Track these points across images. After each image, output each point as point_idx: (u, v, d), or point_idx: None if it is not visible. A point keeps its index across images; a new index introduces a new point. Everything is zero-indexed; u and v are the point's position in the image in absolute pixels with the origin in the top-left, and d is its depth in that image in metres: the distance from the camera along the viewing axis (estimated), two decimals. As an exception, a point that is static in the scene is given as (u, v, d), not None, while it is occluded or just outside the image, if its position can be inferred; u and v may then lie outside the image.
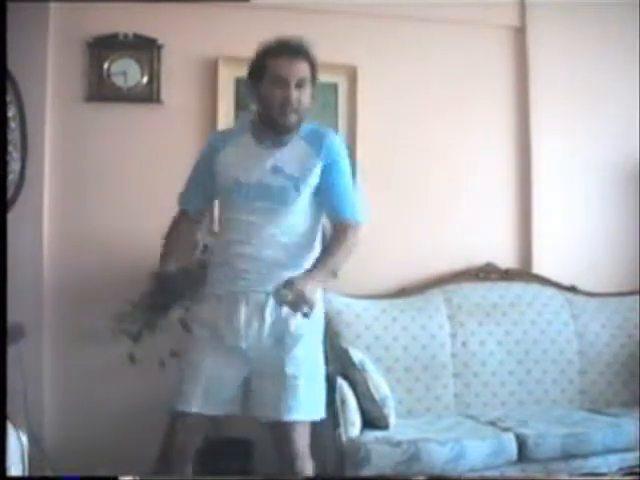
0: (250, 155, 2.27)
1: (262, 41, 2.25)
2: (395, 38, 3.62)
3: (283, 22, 3.45)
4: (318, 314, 2.24)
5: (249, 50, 3.42)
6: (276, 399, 2.18)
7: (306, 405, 2.20)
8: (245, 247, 2.23)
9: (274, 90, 2.18)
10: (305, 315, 2.04)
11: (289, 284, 2.02)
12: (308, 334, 2.23)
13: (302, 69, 2.21)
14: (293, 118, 2.21)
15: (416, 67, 3.67)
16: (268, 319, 2.20)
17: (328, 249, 2.23)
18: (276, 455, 2.26)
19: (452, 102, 3.70)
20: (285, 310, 2.14)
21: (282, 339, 2.20)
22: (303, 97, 2.21)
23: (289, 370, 2.18)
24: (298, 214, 2.25)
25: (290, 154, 2.25)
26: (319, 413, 2.26)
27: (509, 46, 3.82)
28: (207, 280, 2.36)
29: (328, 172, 2.25)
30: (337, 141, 2.31)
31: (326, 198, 2.27)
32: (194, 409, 2.22)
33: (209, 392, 2.22)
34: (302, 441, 2.22)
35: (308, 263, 2.22)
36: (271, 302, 2.16)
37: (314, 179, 2.25)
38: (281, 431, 2.21)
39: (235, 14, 3.44)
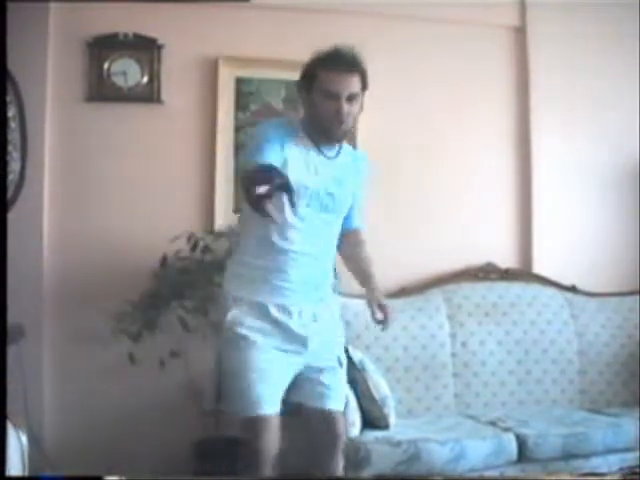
0: (315, 160, 2.28)
1: (316, 49, 2.25)
2: (395, 38, 3.62)
3: (283, 22, 3.47)
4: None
5: (249, 50, 3.48)
6: (335, 390, 2.34)
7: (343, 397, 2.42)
8: (304, 257, 2.27)
9: (325, 102, 2.21)
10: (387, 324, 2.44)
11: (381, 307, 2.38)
12: (341, 333, 2.46)
13: (354, 84, 2.23)
14: (343, 130, 2.26)
15: (416, 67, 3.67)
16: (319, 321, 2.32)
17: (367, 260, 2.50)
18: (320, 443, 2.36)
19: (452, 102, 3.70)
20: (329, 312, 2.37)
21: (331, 338, 2.37)
22: (353, 110, 2.25)
23: (339, 366, 2.37)
24: (339, 225, 2.41)
25: (343, 166, 2.34)
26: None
27: (509, 46, 3.82)
28: (237, 279, 2.30)
29: (360, 185, 2.47)
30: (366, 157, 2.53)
31: (352, 206, 2.44)
32: (270, 411, 2.21)
33: (278, 392, 2.24)
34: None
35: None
36: (321, 309, 2.33)
37: (354, 190, 2.41)
38: (333, 420, 2.34)
39: (235, 14, 3.44)
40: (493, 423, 3.11)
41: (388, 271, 3.55)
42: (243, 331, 2.21)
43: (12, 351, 2.32)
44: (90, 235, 3.33)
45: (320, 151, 2.29)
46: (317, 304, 2.32)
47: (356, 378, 3.01)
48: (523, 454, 2.93)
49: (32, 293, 3.18)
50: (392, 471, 2.75)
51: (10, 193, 3.12)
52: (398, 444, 2.80)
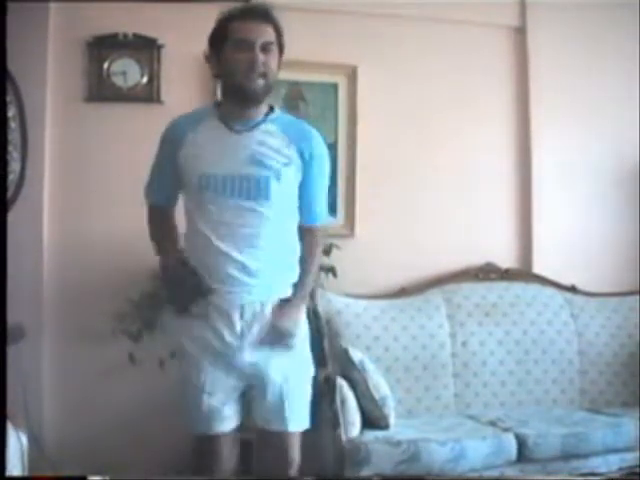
0: (221, 142, 2.07)
1: (224, 9, 2.11)
2: (395, 38, 3.62)
3: (283, 22, 3.45)
4: (304, 328, 2.20)
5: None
6: (277, 410, 2.13)
7: (300, 415, 2.17)
8: (224, 255, 2.06)
9: (238, 54, 2.02)
10: (287, 346, 2.10)
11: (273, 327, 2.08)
12: (298, 344, 2.16)
13: (268, 32, 2.05)
14: (260, 83, 2.03)
15: (416, 67, 3.67)
16: (259, 330, 2.08)
17: (305, 266, 2.15)
18: (271, 463, 2.20)
19: (452, 102, 3.70)
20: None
21: (273, 350, 2.10)
22: (270, 61, 2.04)
23: (283, 381, 2.12)
24: (280, 213, 2.09)
25: (266, 140, 2.07)
26: (306, 423, 2.20)
27: (509, 46, 3.82)
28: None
29: (309, 170, 2.11)
30: (321, 139, 2.17)
31: (302, 198, 2.15)
32: (216, 429, 2.14)
33: (215, 410, 2.12)
34: (296, 449, 2.19)
35: (293, 270, 2.15)
36: (262, 313, 2.09)
37: (297, 174, 2.10)
38: (278, 441, 2.15)
39: (235, 14, 3.44)
40: (493, 423, 3.11)
41: (388, 271, 3.58)
42: (184, 342, 2.14)
43: (12, 351, 2.31)
44: (90, 235, 3.33)
45: (231, 127, 2.07)
46: (260, 310, 2.09)
47: (356, 378, 3.01)
48: (523, 454, 2.93)
49: (32, 293, 3.19)
50: (392, 471, 2.75)
51: (10, 193, 3.12)
52: (398, 444, 2.80)
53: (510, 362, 3.45)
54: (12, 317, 2.28)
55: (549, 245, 3.79)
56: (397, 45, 3.63)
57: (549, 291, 3.67)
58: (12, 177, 3.15)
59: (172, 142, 2.14)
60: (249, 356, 2.08)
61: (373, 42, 3.60)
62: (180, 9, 3.39)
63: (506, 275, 3.69)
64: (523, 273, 3.73)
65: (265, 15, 2.07)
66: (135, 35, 3.39)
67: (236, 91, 2.06)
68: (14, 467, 2.33)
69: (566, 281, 3.73)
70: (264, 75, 2.03)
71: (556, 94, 3.77)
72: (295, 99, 3.51)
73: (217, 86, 3.42)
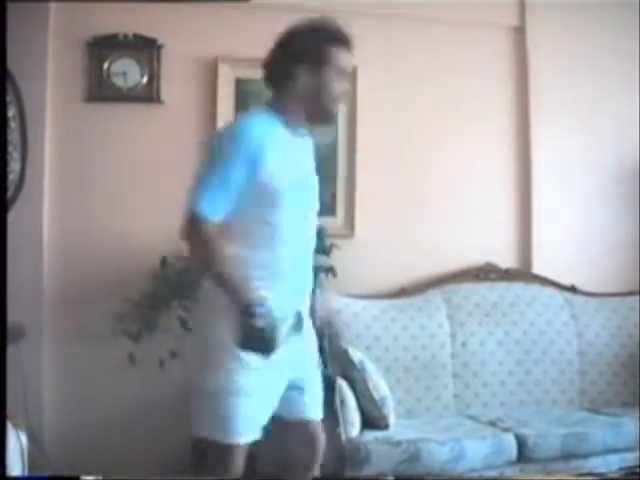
0: (295, 154, 2.05)
1: (310, 22, 2.13)
2: (395, 38, 3.62)
3: (282, 22, 3.45)
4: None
5: (249, 50, 3.46)
6: (316, 399, 2.17)
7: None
8: (303, 266, 2.07)
9: (337, 82, 2.05)
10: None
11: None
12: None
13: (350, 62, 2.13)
14: (336, 112, 2.14)
15: (416, 67, 3.67)
16: (302, 330, 2.09)
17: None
18: (309, 452, 2.19)
19: (452, 102, 3.70)
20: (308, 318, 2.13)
21: (310, 348, 2.17)
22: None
23: (316, 369, 2.19)
24: None
25: (310, 146, 2.15)
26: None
27: (509, 46, 3.82)
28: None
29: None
30: None
31: None
32: (248, 438, 2.00)
33: (259, 416, 2.02)
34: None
35: None
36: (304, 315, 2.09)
37: None
38: (317, 428, 2.18)
39: (235, 14, 3.44)
40: (493, 423, 3.11)
41: (388, 271, 3.58)
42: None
43: (12, 351, 2.32)
44: (90, 235, 3.34)
45: (294, 135, 2.06)
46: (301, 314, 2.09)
47: (356, 378, 3.01)
48: (523, 454, 2.93)
49: (32, 293, 3.19)
50: (392, 471, 2.75)
51: (10, 193, 3.12)
52: (398, 444, 2.80)
53: (510, 362, 3.45)
54: (12, 317, 2.29)
55: (549, 245, 3.79)
56: (397, 45, 3.63)
57: (549, 291, 3.67)
58: (12, 177, 3.15)
59: (251, 150, 1.93)
60: (299, 357, 2.08)
61: (373, 42, 3.60)
62: (180, 9, 3.39)
63: (506, 275, 3.69)
64: (523, 273, 3.73)
65: (353, 45, 2.12)
66: (135, 35, 3.39)
67: (322, 112, 2.08)
68: (14, 467, 2.33)
69: (566, 281, 3.73)
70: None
71: (556, 94, 3.77)
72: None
73: (218, 87, 3.46)
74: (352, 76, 3.53)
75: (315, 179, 2.14)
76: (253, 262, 1.98)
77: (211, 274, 2.00)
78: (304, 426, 2.15)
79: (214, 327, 1.98)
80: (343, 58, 2.08)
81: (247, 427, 1.98)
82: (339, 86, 2.06)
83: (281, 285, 1.99)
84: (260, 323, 1.87)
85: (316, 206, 2.14)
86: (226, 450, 1.99)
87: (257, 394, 1.97)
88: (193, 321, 2.21)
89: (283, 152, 1.99)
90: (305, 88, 2.04)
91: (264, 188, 1.95)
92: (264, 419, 2.02)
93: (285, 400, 2.07)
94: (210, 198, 1.92)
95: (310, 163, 2.14)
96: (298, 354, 2.06)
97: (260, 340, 1.88)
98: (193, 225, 1.92)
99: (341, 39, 2.10)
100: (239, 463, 2.02)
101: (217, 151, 1.96)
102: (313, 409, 2.16)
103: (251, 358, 1.92)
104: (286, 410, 2.08)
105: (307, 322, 2.12)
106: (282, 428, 2.11)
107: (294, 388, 2.09)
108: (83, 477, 2.02)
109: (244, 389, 1.95)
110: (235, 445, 1.99)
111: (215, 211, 1.93)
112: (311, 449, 2.18)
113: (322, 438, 2.20)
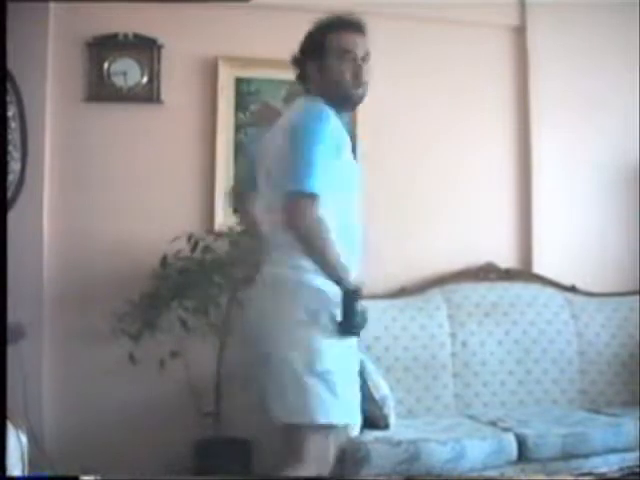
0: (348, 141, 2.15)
1: (318, 18, 2.18)
2: (395, 38, 3.62)
3: (283, 22, 3.46)
4: None
5: (249, 50, 3.48)
6: None
7: None
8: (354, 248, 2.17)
9: (342, 64, 2.11)
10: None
11: None
12: None
13: (365, 44, 2.17)
14: (361, 92, 2.15)
15: (415, 67, 3.67)
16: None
17: None
18: None
19: (452, 102, 3.70)
20: None
21: None
22: (368, 72, 2.16)
23: None
24: None
25: None
26: None
27: (509, 46, 3.82)
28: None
29: None
30: None
31: None
32: (348, 419, 2.13)
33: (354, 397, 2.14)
34: None
35: None
36: None
37: None
38: None
39: (235, 14, 3.44)
40: (493, 423, 3.10)
41: (388, 271, 3.57)
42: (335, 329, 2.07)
43: (12, 351, 2.31)
44: (90, 235, 3.33)
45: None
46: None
47: (356, 378, 3.01)
48: (523, 454, 2.92)
49: (32, 293, 3.18)
50: (392, 471, 2.74)
51: (10, 193, 3.12)
52: (398, 444, 2.80)
53: (510, 362, 3.45)
54: (12, 317, 2.29)
55: (549, 245, 3.79)
56: (396, 45, 3.63)
57: (549, 291, 3.67)
58: (12, 177, 3.15)
59: (335, 130, 2.06)
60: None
61: (372, 42, 3.58)
62: (180, 9, 3.39)
63: (506, 275, 3.69)
64: (523, 273, 3.73)
65: (362, 27, 2.18)
66: (135, 35, 3.39)
67: (343, 97, 2.14)
68: (14, 467, 2.33)
69: (566, 281, 3.73)
70: (365, 85, 2.15)
71: (556, 94, 3.77)
72: (295, 99, 3.51)
73: (218, 87, 3.46)
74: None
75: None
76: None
77: (321, 254, 2.01)
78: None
79: (293, 311, 2.04)
80: (342, 41, 2.12)
81: (347, 409, 2.08)
82: (346, 69, 2.11)
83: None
84: (361, 306, 2.01)
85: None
86: (327, 432, 2.06)
87: (347, 374, 2.08)
88: (255, 308, 2.18)
89: (346, 140, 2.10)
90: (318, 81, 2.14)
91: (340, 170, 2.05)
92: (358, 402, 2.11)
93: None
94: (316, 177, 1.97)
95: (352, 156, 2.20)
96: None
97: (362, 322, 2.03)
98: (306, 205, 1.96)
99: (339, 25, 2.14)
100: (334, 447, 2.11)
101: (310, 132, 2.01)
102: None
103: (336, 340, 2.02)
104: None
105: None
106: None
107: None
108: (82, 477, 2.02)
109: (338, 369, 2.04)
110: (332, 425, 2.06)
111: (320, 189, 1.98)
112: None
113: None
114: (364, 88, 2.15)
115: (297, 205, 1.97)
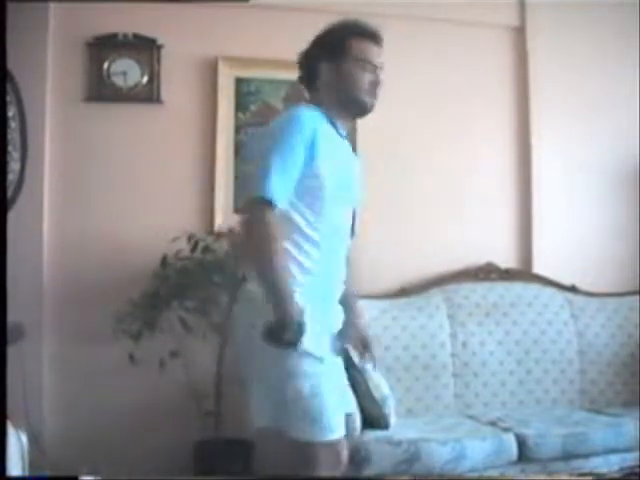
0: (340, 148, 2.12)
1: (339, 20, 2.18)
2: (395, 38, 3.60)
3: (283, 22, 3.47)
4: None
5: (249, 50, 3.48)
6: None
7: None
8: (340, 262, 2.17)
9: (362, 73, 2.10)
10: None
11: None
12: None
13: (381, 55, 2.17)
14: (374, 101, 2.15)
15: (415, 67, 3.67)
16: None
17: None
18: None
19: (452, 102, 3.70)
20: None
21: None
22: (381, 85, 2.16)
23: None
24: None
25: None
26: None
27: (509, 46, 3.82)
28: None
29: None
30: None
31: None
32: (340, 433, 2.05)
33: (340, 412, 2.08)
34: None
35: None
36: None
37: None
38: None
39: (235, 14, 3.44)
40: (493, 423, 3.10)
41: (388, 271, 3.57)
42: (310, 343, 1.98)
43: (12, 351, 2.31)
44: (90, 235, 3.33)
45: (340, 134, 2.14)
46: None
47: (356, 378, 3.00)
48: (523, 454, 2.92)
49: (32, 293, 3.18)
50: (392, 471, 2.74)
51: (10, 193, 3.12)
52: (398, 444, 2.80)
53: (510, 362, 3.45)
54: (12, 317, 2.29)
55: (549, 245, 3.79)
56: (396, 45, 3.61)
57: (549, 291, 3.67)
58: (12, 177, 3.15)
59: (309, 138, 1.99)
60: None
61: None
62: (180, 9, 3.40)
63: (506, 275, 3.69)
64: (523, 273, 3.73)
65: (380, 39, 2.18)
66: (135, 35, 3.39)
67: (355, 105, 2.13)
68: (14, 467, 2.33)
69: (566, 281, 3.73)
70: (377, 94, 2.15)
71: (556, 94, 3.77)
72: (295, 99, 3.51)
73: (218, 87, 3.46)
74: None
75: (358, 181, 2.19)
76: (290, 256, 2.00)
77: (263, 266, 1.95)
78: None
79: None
80: (364, 50, 2.13)
81: (337, 423, 2.02)
82: (365, 77, 2.11)
83: (311, 280, 2.02)
84: (289, 334, 1.90)
85: (355, 207, 2.19)
86: (332, 447, 2.02)
87: (334, 391, 2.04)
88: (241, 322, 2.14)
89: (331, 148, 2.05)
90: (331, 84, 2.11)
91: (314, 181, 2.00)
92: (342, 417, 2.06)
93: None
94: (277, 184, 1.93)
95: (356, 165, 2.20)
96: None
97: (292, 335, 1.91)
98: (260, 211, 1.92)
99: (361, 32, 2.15)
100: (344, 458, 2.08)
101: (279, 138, 1.98)
102: None
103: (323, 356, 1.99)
104: None
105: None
106: None
107: None
108: (82, 477, 2.02)
109: (325, 387, 1.99)
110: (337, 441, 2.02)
111: (280, 197, 1.94)
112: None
113: None
114: (376, 98, 2.15)
115: (250, 210, 1.96)
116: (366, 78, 2.11)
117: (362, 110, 2.16)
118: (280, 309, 1.90)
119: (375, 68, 2.13)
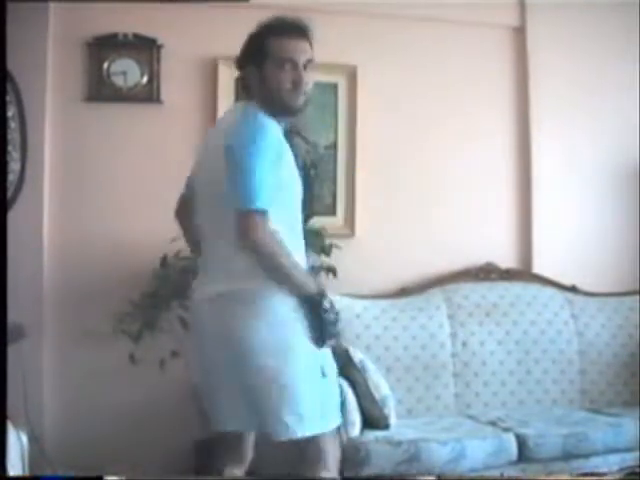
0: (289, 149, 2.10)
1: (260, 21, 2.13)
2: (395, 38, 3.62)
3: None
4: None
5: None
6: None
7: None
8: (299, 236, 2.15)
9: (282, 73, 2.04)
10: None
11: None
12: None
13: (308, 50, 2.09)
14: (302, 100, 2.08)
15: (416, 67, 3.67)
16: None
17: None
18: None
19: (452, 102, 3.70)
20: None
21: None
22: (310, 79, 2.09)
23: None
24: None
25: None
26: None
27: (509, 46, 3.82)
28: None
29: None
30: None
31: None
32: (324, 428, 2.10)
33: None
34: None
35: None
36: None
37: None
38: None
39: (235, 14, 3.43)
40: (493, 423, 3.11)
41: (388, 271, 3.58)
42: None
43: (12, 351, 2.31)
44: (90, 235, 3.33)
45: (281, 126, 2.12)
46: None
47: (356, 378, 3.01)
48: (523, 454, 2.93)
49: (32, 293, 3.18)
50: (392, 471, 2.75)
51: (10, 193, 3.12)
52: (398, 444, 2.80)
53: (510, 362, 3.45)
54: (12, 317, 2.28)
55: (549, 245, 3.79)
56: (396, 45, 3.63)
57: (549, 291, 3.67)
58: (12, 177, 3.15)
59: (275, 142, 2.03)
60: None
61: (373, 42, 3.60)
62: (180, 9, 3.39)
63: (506, 275, 3.69)
64: (523, 273, 3.73)
65: (305, 31, 2.10)
66: (135, 35, 3.39)
67: (281, 107, 2.08)
68: (14, 467, 2.33)
69: (566, 281, 3.73)
70: (306, 92, 2.08)
71: (556, 94, 3.77)
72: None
73: (218, 87, 3.46)
74: (352, 76, 3.58)
75: (298, 176, 2.14)
76: None
77: (279, 269, 1.99)
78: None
79: (275, 328, 2.01)
80: (283, 48, 2.06)
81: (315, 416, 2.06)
82: (286, 77, 2.05)
83: None
84: (331, 316, 2.01)
85: (300, 207, 2.15)
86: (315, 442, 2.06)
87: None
88: (237, 325, 2.08)
89: (285, 146, 2.06)
90: (257, 86, 2.08)
91: (282, 178, 2.01)
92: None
93: None
94: (263, 193, 1.96)
95: (292, 159, 2.13)
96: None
97: (334, 331, 2.04)
98: (258, 223, 1.94)
99: (280, 30, 2.09)
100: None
101: (250, 150, 1.97)
102: None
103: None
104: None
105: None
106: None
107: None
108: (107, 477, 2.03)
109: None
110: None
111: (268, 205, 1.97)
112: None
113: None
114: (306, 96, 2.09)
115: (248, 222, 1.95)
116: (287, 78, 2.04)
117: (289, 112, 2.11)
118: (316, 310, 1.99)
119: (297, 65, 2.05)
